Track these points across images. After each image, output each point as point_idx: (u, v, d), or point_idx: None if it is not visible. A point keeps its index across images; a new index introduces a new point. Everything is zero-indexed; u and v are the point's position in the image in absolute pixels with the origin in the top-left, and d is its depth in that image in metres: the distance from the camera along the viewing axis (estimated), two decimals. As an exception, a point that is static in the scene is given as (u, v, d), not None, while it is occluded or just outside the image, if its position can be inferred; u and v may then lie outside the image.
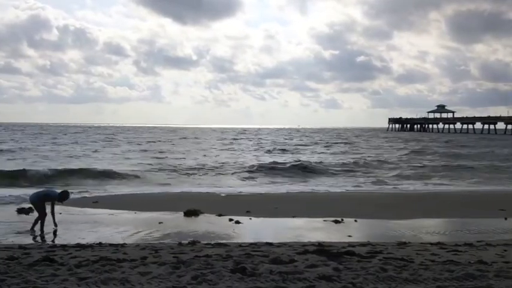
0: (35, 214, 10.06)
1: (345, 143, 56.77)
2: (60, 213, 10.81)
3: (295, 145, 51.23)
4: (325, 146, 49.36)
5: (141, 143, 51.36)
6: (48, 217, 9.89)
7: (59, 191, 10.38)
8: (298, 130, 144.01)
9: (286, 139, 68.80)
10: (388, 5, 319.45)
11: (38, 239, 9.24)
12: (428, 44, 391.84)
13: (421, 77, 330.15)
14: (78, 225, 10.39)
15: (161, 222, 10.72)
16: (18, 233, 9.60)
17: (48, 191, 10.44)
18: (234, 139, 66.94)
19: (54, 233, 9.57)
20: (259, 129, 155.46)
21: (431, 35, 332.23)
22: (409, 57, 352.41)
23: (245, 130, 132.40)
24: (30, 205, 10.47)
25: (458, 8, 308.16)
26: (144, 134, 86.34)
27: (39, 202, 9.88)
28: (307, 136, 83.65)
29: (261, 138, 69.56)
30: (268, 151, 40.29)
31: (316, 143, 56.11)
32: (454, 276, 5.62)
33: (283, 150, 41.75)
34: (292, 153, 37.22)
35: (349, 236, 9.46)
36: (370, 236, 9.39)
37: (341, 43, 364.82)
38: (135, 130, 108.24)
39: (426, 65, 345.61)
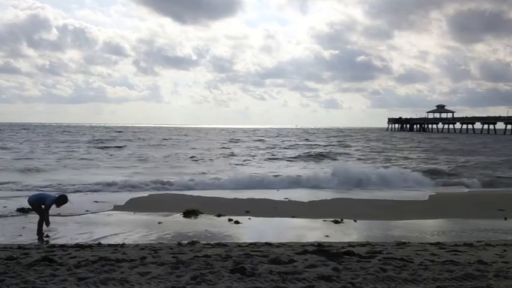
0: (35, 214, 10.04)
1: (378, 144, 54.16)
2: (60, 214, 10.79)
3: (326, 146, 48.79)
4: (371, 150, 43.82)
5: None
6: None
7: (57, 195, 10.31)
8: (302, 129, 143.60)
9: (308, 141, 64.23)
10: (389, 5, 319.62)
11: (37, 239, 9.23)
12: (429, 43, 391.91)
13: (421, 77, 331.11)
14: (77, 225, 10.38)
15: (160, 223, 10.72)
16: (18, 232, 9.60)
17: (46, 194, 10.31)
18: (261, 140, 64.06)
19: (47, 233, 9.52)
20: (266, 129, 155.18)
21: (432, 34, 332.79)
22: (409, 57, 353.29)
23: (255, 130, 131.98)
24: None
25: (460, 8, 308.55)
26: (162, 135, 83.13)
27: (37, 204, 9.83)
28: (320, 137, 79.58)
29: (288, 141, 63.36)
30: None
31: (344, 145, 52.31)
32: (453, 276, 5.62)
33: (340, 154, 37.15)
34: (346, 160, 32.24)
35: (331, 234, 9.44)
36: (369, 236, 9.40)
37: (341, 43, 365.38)
38: (152, 131, 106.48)
39: (426, 64, 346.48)
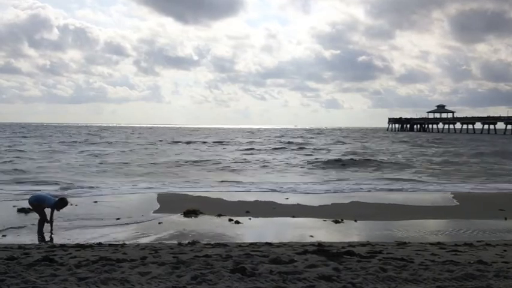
0: (35, 214, 10.03)
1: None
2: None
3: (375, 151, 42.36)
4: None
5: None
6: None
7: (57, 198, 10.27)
8: (308, 129, 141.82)
9: (340, 143, 58.61)
10: (390, 4, 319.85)
11: (37, 239, 9.22)
12: (430, 43, 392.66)
13: (422, 77, 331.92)
14: (77, 225, 10.38)
15: (161, 223, 10.72)
16: (18, 233, 9.60)
17: (46, 197, 10.21)
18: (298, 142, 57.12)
19: (51, 238, 9.36)
20: (270, 129, 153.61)
21: (434, 34, 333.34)
22: (411, 57, 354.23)
23: (260, 130, 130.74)
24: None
25: (462, 7, 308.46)
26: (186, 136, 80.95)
27: (37, 204, 9.82)
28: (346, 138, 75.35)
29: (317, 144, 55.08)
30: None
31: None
32: (453, 276, 5.62)
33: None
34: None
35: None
36: (369, 236, 9.40)
37: (342, 43, 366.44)
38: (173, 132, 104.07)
39: (427, 64, 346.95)
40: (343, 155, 36.77)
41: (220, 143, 56.62)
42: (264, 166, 27.70)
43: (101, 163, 27.49)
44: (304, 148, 46.55)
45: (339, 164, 29.44)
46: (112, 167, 25.46)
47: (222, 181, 19.85)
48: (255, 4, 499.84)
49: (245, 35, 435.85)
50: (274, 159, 32.95)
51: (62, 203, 9.90)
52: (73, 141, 53.55)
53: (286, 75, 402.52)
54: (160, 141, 59.35)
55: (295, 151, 42.39)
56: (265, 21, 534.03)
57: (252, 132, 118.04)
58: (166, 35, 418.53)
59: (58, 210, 9.85)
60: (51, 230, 9.70)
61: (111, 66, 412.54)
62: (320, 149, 45.34)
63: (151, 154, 36.47)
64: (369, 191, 17.34)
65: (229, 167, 26.90)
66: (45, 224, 9.78)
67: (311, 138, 76.54)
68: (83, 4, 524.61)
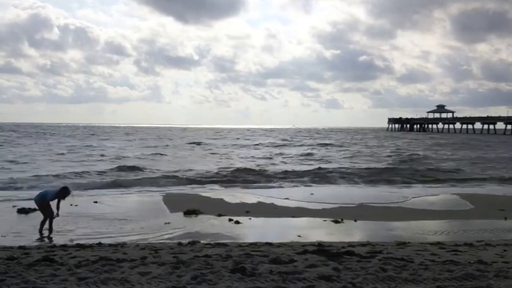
0: (35, 214, 10.01)
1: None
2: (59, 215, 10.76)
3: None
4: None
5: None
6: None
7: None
8: (299, 131, 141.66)
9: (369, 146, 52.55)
10: (392, 4, 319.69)
11: (38, 239, 9.22)
12: (431, 43, 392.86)
13: (422, 77, 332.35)
14: (77, 225, 10.38)
15: (165, 223, 10.70)
16: (18, 233, 9.60)
17: (47, 191, 10.27)
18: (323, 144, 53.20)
19: (53, 218, 9.60)
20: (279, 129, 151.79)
21: (435, 34, 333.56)
22: (412, 56, 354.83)
23: (272, 130, 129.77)
24: (35, 206, 10.36)
25: (463, 7, 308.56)
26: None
27: (43, 202, 9.81)
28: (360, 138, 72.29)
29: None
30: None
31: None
32: (453, 276, 5.62)
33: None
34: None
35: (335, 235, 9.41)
36: (369, 236, 9.40)
37: (343, 42, 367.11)
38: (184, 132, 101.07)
39: (428, 64, 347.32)
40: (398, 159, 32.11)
41: (243, 145, 51.29)
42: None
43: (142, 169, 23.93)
44: (341, 150, 43.09)
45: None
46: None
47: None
48: (256, 4, 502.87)
49: (246, 35, 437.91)
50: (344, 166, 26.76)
51: (64, 191, 9.90)
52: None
53: (286, 75, 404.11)
54: (198, 144, 53.28)
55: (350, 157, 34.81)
56: (266, 21, 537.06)
57: (269, 131, 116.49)
58: (166, 34, 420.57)
59: (63, 199, 9.86)
60: (57, 214, 9.74)
61: (112, 66, 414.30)
62: (357, 151, 42.19)
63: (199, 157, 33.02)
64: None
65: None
66: (45, 222, 9.78)
67: (327, 138, 74.94)
68: (83, 4, 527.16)
